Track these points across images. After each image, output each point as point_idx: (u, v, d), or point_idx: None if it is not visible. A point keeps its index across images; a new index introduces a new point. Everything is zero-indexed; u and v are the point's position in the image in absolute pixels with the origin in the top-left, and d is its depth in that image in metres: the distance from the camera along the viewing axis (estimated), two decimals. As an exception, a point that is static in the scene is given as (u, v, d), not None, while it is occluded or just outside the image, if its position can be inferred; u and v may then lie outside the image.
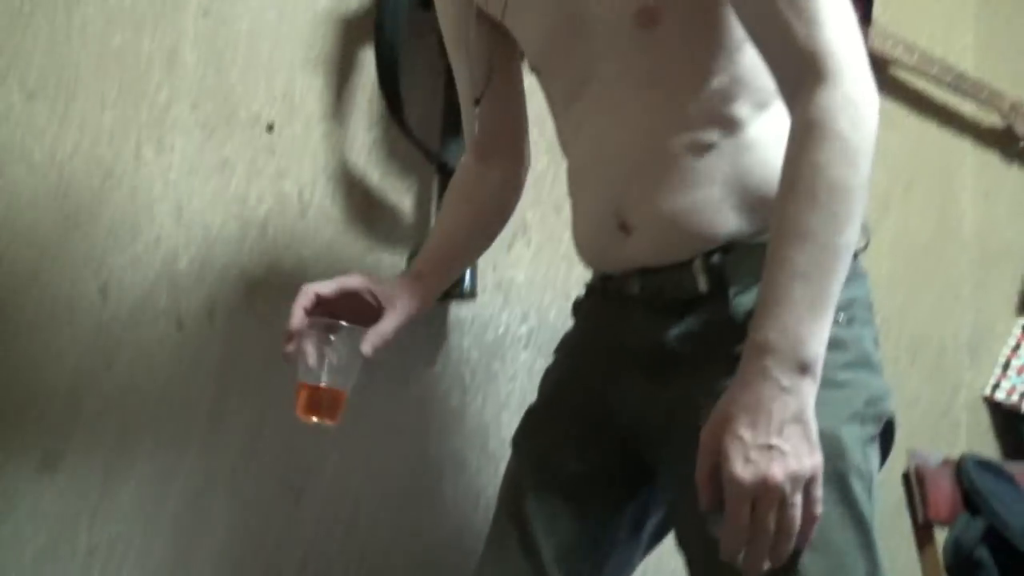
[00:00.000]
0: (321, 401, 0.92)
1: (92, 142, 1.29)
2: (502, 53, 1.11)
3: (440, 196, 1.47)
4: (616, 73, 0.93)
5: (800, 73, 0.79)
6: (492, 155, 1.17)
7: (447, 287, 1.21)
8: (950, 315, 2.13)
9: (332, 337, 0.92)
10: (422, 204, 1.49)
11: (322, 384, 0.93)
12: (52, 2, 1.28)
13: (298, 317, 0.95)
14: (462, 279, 1.44)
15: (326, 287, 0.98)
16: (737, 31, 0.88)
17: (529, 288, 1.61)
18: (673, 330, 0.92)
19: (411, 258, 1.45)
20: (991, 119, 2.20)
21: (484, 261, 1.50)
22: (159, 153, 1.33)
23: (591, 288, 1.09)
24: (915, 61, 2.02)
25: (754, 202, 0.89)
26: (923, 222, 2.09)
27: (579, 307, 1.11)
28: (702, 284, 0.90)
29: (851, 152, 0.76)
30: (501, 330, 1.58)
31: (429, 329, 1.50)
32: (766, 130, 0.90)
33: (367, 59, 1.46)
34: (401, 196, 1.49)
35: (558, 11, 0.96)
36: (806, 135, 0.77)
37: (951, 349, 2.12)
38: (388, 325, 0.99)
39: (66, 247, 1.26)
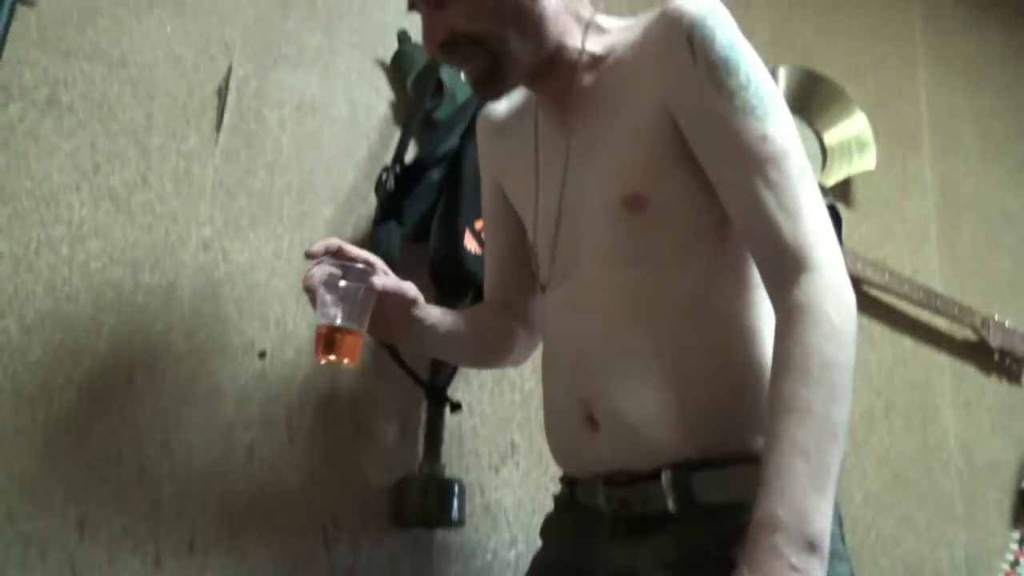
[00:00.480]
0: (337, 341, 0.94)
1: (85, 372, 1.29)
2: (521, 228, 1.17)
3: (429, 422, 1.47)
4: (600, 253, 0.96)
5: (786, 264, 0.84)
6: (505, 311, 1.19)
7: (416, 347, 1.16)
8: (944, 534, 2.07)
9: (343, 282, 0.95)
10: (410, 430, 1.48)
11: (338, 323, 0.94)
12: (57, 240, 1.32)
13: (319, 248, 0.99)
14: (450, 507, 1.40)
15: (353, 249, 1.01)
16: (719, 222, 0.92)
17: (518, 511, 1.56)
18: (642, 555, 0.89)
19: (398, 482, 1.42)
20: (964, 332, 2.25)
21: (472, 484, 1.47)
22: (151, 381, 1.33)
23: (559, 501, 1.07)
24: (886, 281, 2.09)
25: (724, 414, 0.89)
26: (908, 439, 2.08)
27: (547, 525, 1.08)
28: (671, 504, 0.88)
29: (838, 333, 0.80)
30: (489, 557, 1.52)
31: (415, 559, 1.45)
32: (739, 334, 0.91)
33: (359, 287, 1.50)
34: (390, 421, 1.49)
35: (555, 192, 1.01)
36: (795, 318, 0.81)
37: (948, 572, 2.05)
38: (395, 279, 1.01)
39: (46, 479, 1.23)
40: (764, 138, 0.86)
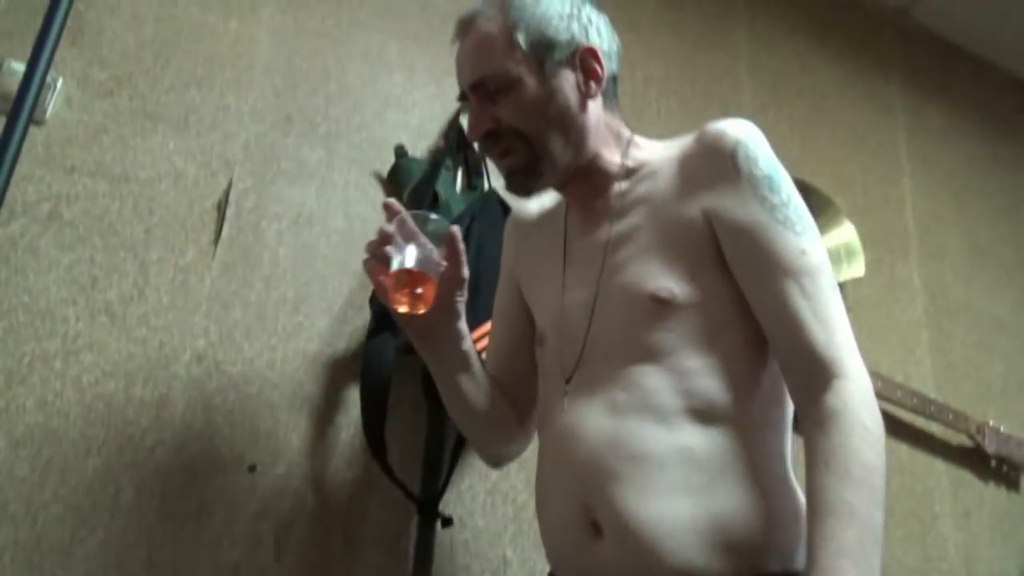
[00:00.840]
0: (410, 284, 0.96)
1: (72, 490, 1.26)
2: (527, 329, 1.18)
3: (420, 538, 1.43)
4: (626, 348, 0.96)
5: (819, 372, 0.88)
6: (506, 399, 1.18)
7: (443, 365, 1.12)
8: (950, 648, 2.01)
9: (418, 227, 0.97)
10: (401, 546, 1.45)
11: (412, 267, 0.96)
12: (51, 354, 1.32)
13: (394, 208, 1.01)
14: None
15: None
16: (740, 324, 0.94)
17: (510, 630, 1.51)
18: None
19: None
20: (960, 439, 2.23)
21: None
22: (137, 497, 1.30)
23: None
24: (879, 387, 2.08)
25: (729, 537, 0.87)
26: (908, 550, 2.04)
27: None
28: None
29: (873, 439, 0.84)
30: None
31: None
32: (760, 441, 0.92)
33: (352, 398, 1.49)
34: (380, 537, 1.45)
35: (585, 288, 1.03)
36: (833, 423, 0.85)
37: None
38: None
39: (27, 602, 1.19)
40: (803, 252, 0.93)
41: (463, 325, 1.08)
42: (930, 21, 2.68)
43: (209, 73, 1.57)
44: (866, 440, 0.83)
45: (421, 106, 1.75)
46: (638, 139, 1.09)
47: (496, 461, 1.23)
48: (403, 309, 0.98)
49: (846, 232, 2.14)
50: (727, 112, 2.20)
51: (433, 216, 1.01)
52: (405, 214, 0.99)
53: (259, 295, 1.49)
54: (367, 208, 1.63)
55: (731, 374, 0.94)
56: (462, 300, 1.05)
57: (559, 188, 1.10)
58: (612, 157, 1.07)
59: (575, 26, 1.03)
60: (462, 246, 1.01)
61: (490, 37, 1.01)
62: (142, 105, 1.50)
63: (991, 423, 2.22)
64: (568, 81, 1.02)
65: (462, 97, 1.05)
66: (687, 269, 0.96)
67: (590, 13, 1.06)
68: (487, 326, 1.51)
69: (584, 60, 1.03)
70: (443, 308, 1.04)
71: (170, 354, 1.40)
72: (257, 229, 1.52)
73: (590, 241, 1.06)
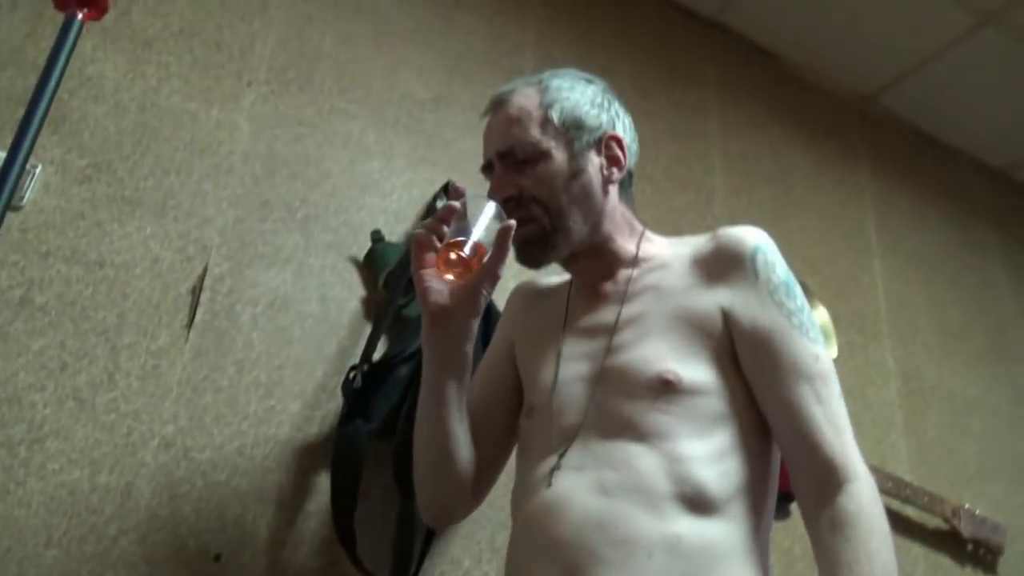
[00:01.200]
0: (459, 258, 0.97)
1: (29, 582, 1.23)
2: (509, 398, 1.16)
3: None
4: (618, 423, 0.96)
5: (833, 474, 0.91)
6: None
7: (441, 380, 1.08)
8: None
9: (477, 204, 0.99)
10: (368, 640, 1.41)
11: (478, 240, 0.97)
12: (15, 441, 1.29)
13: (460, 190, 1.01)
14: None
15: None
16: (738, 415, 0.96)
17: None
18: None
19: None
20: (936, 522, 2.21)
21: None
22: (98, 590, 1.26)
23: None
24: (853, 470, 2.07)
25: None
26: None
27: None
28: None
29: (888, 539, 0.89)
30: None
31: None
32: (736, 537, 0.92)
33: (322, 485, 1.46)
34: (347, 629, 1.41)
35: (586, 364, 1.03)
36: (852, 527, 0.88)
37: None
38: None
39: None
40: (817, 358, 0.97)
41: (476, 324, 1.04)
42: (897, 108, 2.76)
43: (189, 160, 1.59)
44: (883, 542, 0.87)
45: (399, 191, 1.77)
46: (649, 233, 1.14)
47: (437, 514, 1.16)
48: (450, 276, 0.99)
49: (819, 315, 2.15)
50: (700, 197, 2.24)
51: (491, 209, 1.01)
52: (469, 198, 1.00)
53: (231, 380, 1.47)
54: (343, 292, 1.63)
55: (726, 465, 0.95)
56: (487, 297, 1.03)
57: (566, 264, 1.13)
58: (625, 244, 1.11)
59: (604, 116, 1.10)
60: (510, 243, 1.00)
61: (525, 110, 1.07)
62: (120, 191, 1.51)
63: (966, 506, 2.20)
64: (593, 163, 1.08)
65: (486, 167, 1.10)
66: (695, 357, 0.99)
67: (619, 108, 1.14)
68: None
69: (609, 147, 1.10)
70: (470, 298, 1.01)
71: (138, 440, 1.37)
72: (231, 313, 1.51)
73: (595, 320, 1.08)
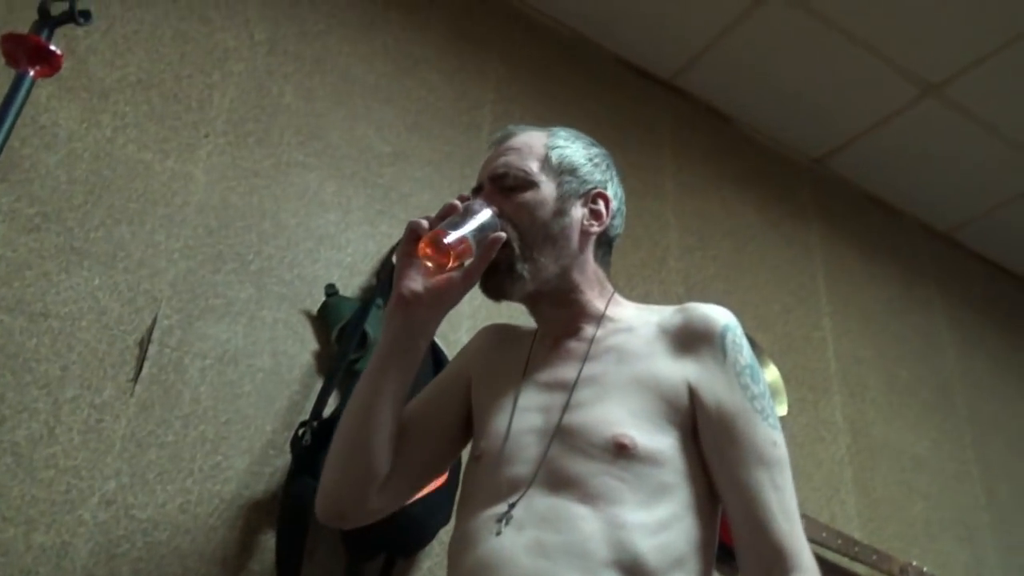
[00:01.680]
0: (441, 243, 0.99)
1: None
2: (455, 427, 1.15)
3: None
4: (568, 482, 0.95)
5: (780, 562, 0.93)
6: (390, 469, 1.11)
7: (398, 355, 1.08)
8: None
9: (476, 210, 1.03)
10: None
11: (465, 235, 1.01)
12: (-51, 498, 1.25)
13: (463, 196, 1.06)
14: None
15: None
16: (689, 483, 0.96)
17: None
18: None
19: None
20: (885, 579, 2.22)
21: None
22: (28, 655, 1.21)
23: None
24: (805, 527, 2.07)
25: None
26: None
27: None
28: None
29: None
30: None
31: None
32: None
33: (268, 543, 1.43)
34: None
35: (548, 414, 1.02)
36: None
37: None
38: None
39: None
40: (774, 443, 0.99)
41: (437, 323, 1.08)
42: (845, 170, 2.83)
43: (141, 210, 1.57)
44: None
45: (355, 244, 1.77)
46: (619, 296, 1.15)
47: (329, 507, 1.10)
48: (429, 264, 1.02)
49: (770, 373, 2.17)
50: (655, 254, 2.26)
51: (488, 214, 1.04)
52: (471, 202, 1.06)
53: (177, 434, 1.44)
54: (295, 346, 1.61)
55: (668, 536, 0.95)
56: (456, 298, 1.06)
57: (531, 306, 1.13)
58: (593, 300, 1.12)
59: (599, 174, 1.15)
60: (494, 255, 1.04)
61: (528, 145, 1.13)
62: (69, 241, 1.48)
63: (914, 563, 2.22)
64: (576, 211, 1.11)
65: (477, 189, 1.12)
66: (653, 425, 0.99)
67: (615, 176, 1.18)
68: None
69: (595, 201, 1.13)
70: (440, 294, 1.05)
71: (77, 497, 1.33)
72: (180, 366, 1.48)
73: (555, 374, 1.08)
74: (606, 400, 1.02)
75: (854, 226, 2.81)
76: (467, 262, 1.03)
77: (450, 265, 1.02)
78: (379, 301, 1.64)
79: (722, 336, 1.02)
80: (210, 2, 1.82)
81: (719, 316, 1.04)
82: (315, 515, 1.37)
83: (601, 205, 1.13)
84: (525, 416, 1.06)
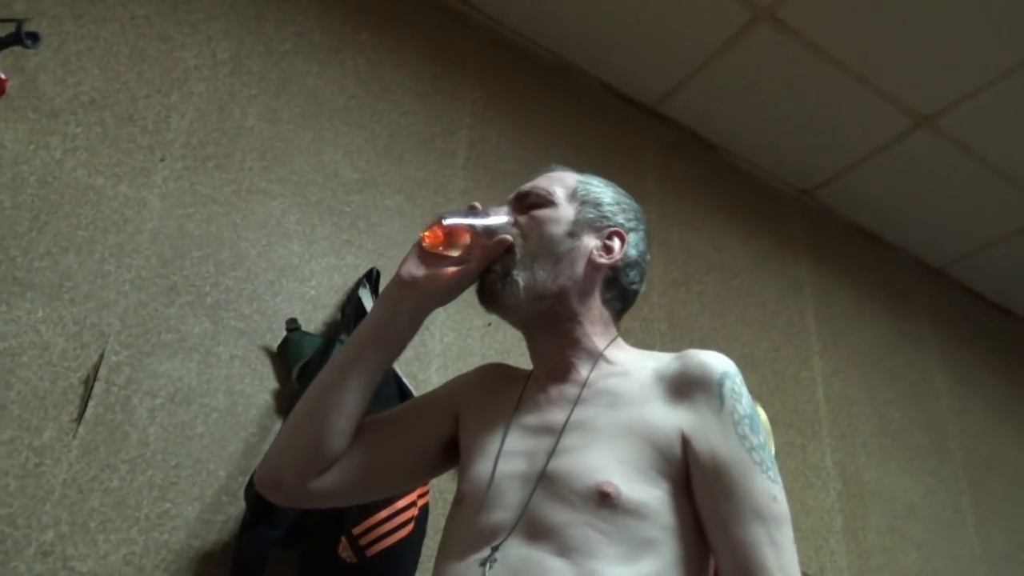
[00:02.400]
0: (439, 224, 1.07)
1: None
2: (429, 451, 1.15)
3: None
4: (548, 531, 0.94)
5: None
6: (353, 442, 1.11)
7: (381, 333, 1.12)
8: None
9: (493, 212, 1.11)
10: None
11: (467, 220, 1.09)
12: None
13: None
14: None
15: None
16: (677, 537, 0.95)
17: None
18: None
19: None
20: (877, 635, 2.21)
21: None
22: None
23: None
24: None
25: None
26: None
27: None
28: None
29: None
30: None
31: None
32: None
33: (220, 597, 1.40)
34: None
35: (533, 460, 1.01)
36: None
37: None
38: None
39: None
40: (774, 498, 0.97)
41: (427, 311, 1.12)
42: (835, 202, 2.85)
43: (90, 238, 1.54)
44: None
45: (319, 277, 1.75)
46: (621, 341, 1.16)
47: (266, 474, 1.09)
48: (426, 242, 1.08)
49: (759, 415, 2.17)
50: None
51: (503, 220, 1.12)
52: (493, 207, 1.13)
53: (122, 480, 1.41)
54: (252, 384, 1.58)
55: None
56: (456, 290, 1.11)
57: (526, 329, 1.14)
58: (593, 336, 1.12)
59: (622, 216, 1.17)
60: (496, 255, 1.09)
61: (561, 176, 1.19)
62: (11, 270, 1.45)
63: (908, 618, 2.21)
64: (589, 239, 1.13)
65: (515, 199, 1.17)
66: (641, 475, 0.98)
67: (642, 229, 1.19)
68: (381, 513, 1.46)
69: (611, 237, 1.14)
70: (440, 283, 1.10)
71: (11, 548, 1.29)
72: (127, 406, 1.46)
73: (543, 418, 1.07)
74: (593, 446, 1.01)
75: (845, 260, 2.83)
76: (456, 253, 1.09)
77: (443, 247, 1.08)
78: (343, 337, 1.63)
79: (720, 383, 1.02)
80: (170, 18, 1.81)
81: (717, 363, 1.04)
82: (269, 566, 1.35)
83: (616, 242, 1.14)
84: (510, 460, 1.05)
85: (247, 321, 1.63)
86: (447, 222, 1.07)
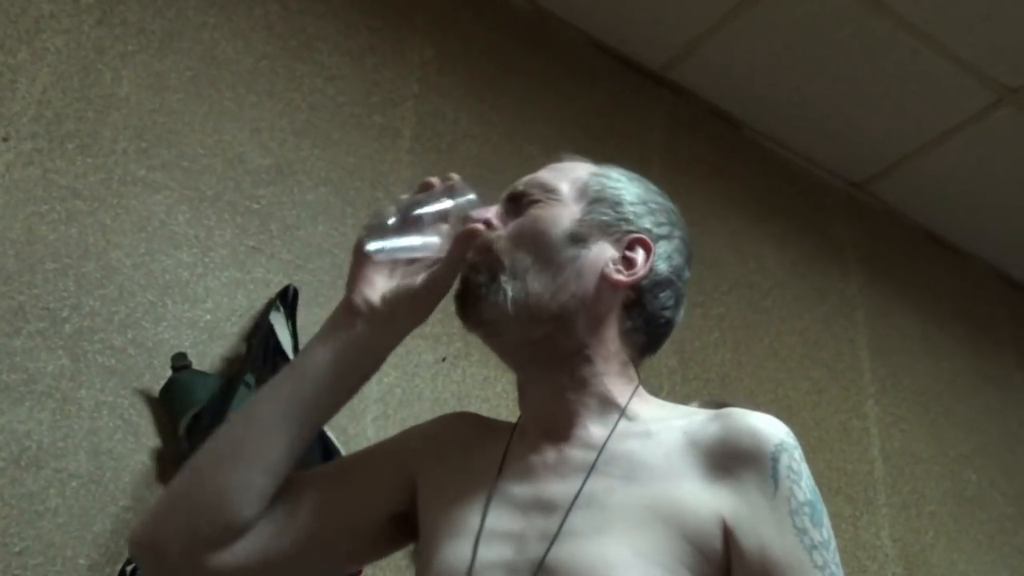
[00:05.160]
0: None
1: None
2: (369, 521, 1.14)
3: None
4: None
5: None
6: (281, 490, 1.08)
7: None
8: None
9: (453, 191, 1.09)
10: None
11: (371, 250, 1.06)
12: None
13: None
14: None
15: None
16: None
17: None
18: None
19: None
20: None
21: None
22: None
23: None
24: None
25: None
26: None
27: None
28: None
29: None
30: None
31: None
32: None
33: None
34: None
35: (525, 545, 1.00)
36: None
37: None
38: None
39: None
40: None
41: (387, 353, 1.11)
42: (894, 199, 2.88)
43: (-94, 244, 1.52)
44: None
45: (216, 296, 1.74)
46: (643, 391, 1.14)
47: (166, 538, 1.05)
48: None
49: (793, 479, 2.17)
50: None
51: (470, 197, 1.09)
52: (455, 182, 1.10)
53: (-53, 573, 1.38)
54: (125, 442, 1.57)
55: None
56: (420, 316, 1.09)
57: (516, 362, 1.13)
58: (609, 381, 1.10)
59: (649, 220, 1.14)
60: (467, 252, 1.08)
61: (571, 169, 1.17)
62: None
63: None
64: (602, 248, 1.11)
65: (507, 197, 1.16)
66: (668, 573, 0.96)
67: (681, 239, 1.17)
68: None
69: (632, 247, 1.12)
70: (402, 308, 1.08)
71: None
72: (-46, 472, 1.43)
73: (540, 488, 1.06)
74: (606, 533, 0.99)
75: (907, 274, 2.86)
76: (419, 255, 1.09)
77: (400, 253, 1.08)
78: (249, 379, 1.61)
79: (774, 459, 1.00)
80: (18, -51, 1.79)
81: (771, 430, 1.02)
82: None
83: (640, 253, 1.12)
84: (494, 544, 1.03)
85: (118, 356, 1.62)
86: (370, 247, 1.05)
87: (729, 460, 1.01)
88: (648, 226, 1.14)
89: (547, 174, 1.16)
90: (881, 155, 2.75)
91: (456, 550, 1.05)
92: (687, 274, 1.18)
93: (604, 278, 1.10)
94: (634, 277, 1.11)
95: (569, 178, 1.15)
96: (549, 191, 1.13)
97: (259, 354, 1.65)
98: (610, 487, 1.03)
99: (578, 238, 1.10)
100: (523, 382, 1.14)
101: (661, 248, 1.14)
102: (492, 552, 1.03)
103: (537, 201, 1.12)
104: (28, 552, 1.44)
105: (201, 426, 1.55)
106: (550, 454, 1.08)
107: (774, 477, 0.99)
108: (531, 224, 1.11)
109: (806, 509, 0.99)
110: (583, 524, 1.01)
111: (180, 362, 1.61)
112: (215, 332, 1.72)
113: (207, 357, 1.68)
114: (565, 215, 1.11)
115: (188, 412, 1.57)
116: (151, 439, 1.60)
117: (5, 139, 1.66)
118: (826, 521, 1.00)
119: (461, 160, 2.13)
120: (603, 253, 1.11)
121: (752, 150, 2.71)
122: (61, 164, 1.69)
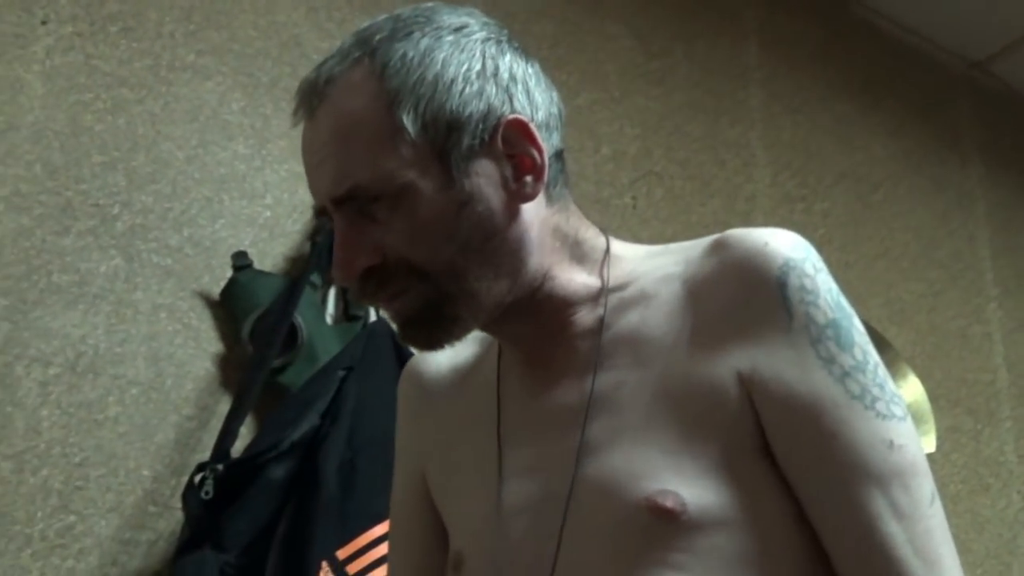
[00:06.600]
0: None
1: None
2: None
3: None
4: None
5: None
6: None
7: None
8: None
9: None
10: None
11: None
12: None
13: None
14: None
15: None
16: (799, 558, 0.92)
17: None
18: None
19: None
20: None
21: None
22: None
23: None
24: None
25: None
26: None
27: None
28: None
29: None
30: None
31: None
32: None
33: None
34: None
35: (551, 474, 0.98)
36: None
37: None
38: None
39: None
40: (890, 445, 0.90)
41: None
42: (1019, 79, 2.82)
43: (-54, 137, 1.55)
44: None
45: (275, 191, 1.75)
46: (615, 244, 1.07)
47: None
48: None
49: (910, 389, 2.17)
50: (734, 206, 2.24)
51: None
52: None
53: (6, 484, 1.43)
54: (185, 347, 1.60)
55: None
56: None
57: (489, 328, 1.05)
58: (575, 276, 1.04)
59: (491, 89, 0.98)
60: None
61: (358, 117, 0.95)
62: None
63: None
64: (489, 177, 0.97)
65: (320, 212, 0.99)
66: (706, 463, 0.93)
67: (511, 64, 1.01)
68: (376, 529, 1.49)
69: (510, 142, 0.98)
70: None
71: None
72: (8, 379, 1.47)
73: (548, 406, 1.03)
74: (625, 438, 0.96)
75: (1034, 161, 2.81)
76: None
77: None
78: (315, 279, 1.64)
79: (781, 283, 0.92)
80: None
81: (772, 250, 0.94)
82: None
83: (522, 141, 0.98)
84: (517, 487, 1.02)
85: (175, 256, 1.64)
86: None
87: (733, 301, 0.95)
88: (493, 96, 0.98)
89: (352, 154, 0.94)
90: (1004, 31, 2.69)
91: (477, 506, 1.05)
92: (532, 70, 1.02)
93: (513, 200, 0.99)
94: (543, 172, 0.99)
95: (375, 135, 0.94)
96: (384, 179, 0.94)
97: (323, 252, 1.66)
98: (620, 381, 0.98)
99: (464, 201, 0.96)
100: (501, 336, 1.09)
101: (521, 104, 1.00)
102: (518, 495, 1.02)
103: (380, 202, 0.94)
104: (88, 463, 1.49)
105: (264, 329, 1.57)
106: (551, 363, 1.04)
107: (785, 305, 0.92)
108: (420, 242, 0.95)
109: (829, 332, 0.92)
110: (602, 435, 0.97)
111: (240, 261, 1.64)
112: (276, 230, 1.73)
113: (268, 256, 1.70)
114: (431, 194, 0.94)
115: (251, 315, 1.60)
116: (213, 344, 1.63)
117: (44, 22, 1.67)
118: (858, 337, 0.93)
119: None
120: (494, 182, 0.98)
121: (860, 28, 2.66)
122: (104, 49, 1.70)
